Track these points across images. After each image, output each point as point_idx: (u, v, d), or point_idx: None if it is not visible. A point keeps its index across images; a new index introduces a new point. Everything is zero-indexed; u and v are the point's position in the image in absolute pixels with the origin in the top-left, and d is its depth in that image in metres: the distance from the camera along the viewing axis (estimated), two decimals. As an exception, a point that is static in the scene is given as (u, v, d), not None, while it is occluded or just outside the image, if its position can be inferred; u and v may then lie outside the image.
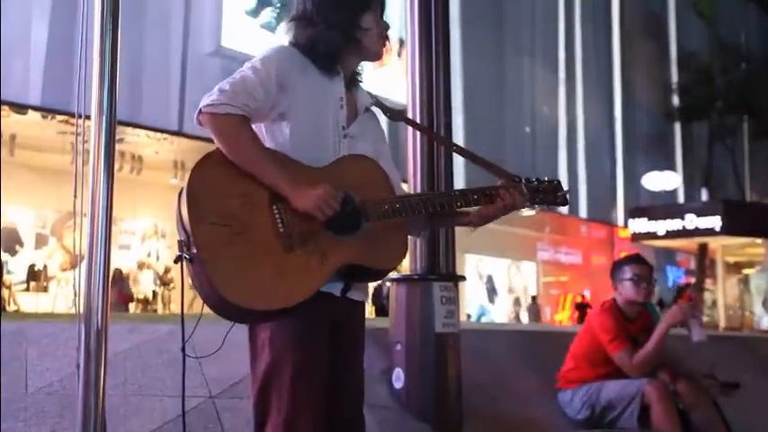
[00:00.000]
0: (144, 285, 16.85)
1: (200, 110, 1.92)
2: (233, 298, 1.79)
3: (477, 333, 5.11)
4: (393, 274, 3.86)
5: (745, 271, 26.85)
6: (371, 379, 3.64)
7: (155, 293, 16.78)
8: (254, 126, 1.97)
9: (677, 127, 29.83)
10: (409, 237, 2.15)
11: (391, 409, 3.49)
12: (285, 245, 1.86)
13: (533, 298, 23.87)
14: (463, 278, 3.90)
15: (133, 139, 14.26)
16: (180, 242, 1.85)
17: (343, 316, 2.03)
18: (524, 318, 24.03)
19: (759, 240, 23.04)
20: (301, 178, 1.91)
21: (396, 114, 2.27)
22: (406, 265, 3.80)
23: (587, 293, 23.86)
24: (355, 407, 2.09)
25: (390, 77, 12.14)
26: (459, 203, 2.07)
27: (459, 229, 3.81)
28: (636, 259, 4.01)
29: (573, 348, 4.04)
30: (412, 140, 3.78)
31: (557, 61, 25.94)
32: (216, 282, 1.78)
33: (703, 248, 23.06)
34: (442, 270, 3.72)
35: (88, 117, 2.77)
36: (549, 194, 2.14)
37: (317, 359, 1.94)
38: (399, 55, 12.83)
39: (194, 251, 1.80)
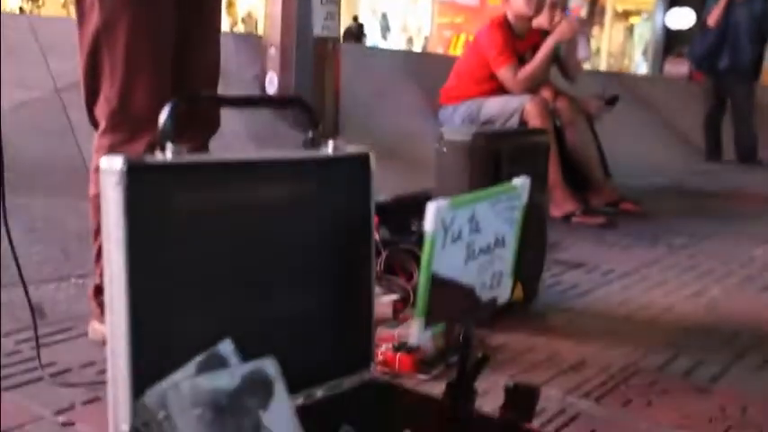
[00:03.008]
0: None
1: None
2: None
3: (361, 50, 4.88)
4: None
5: (632, 19, 27.27)
6: (242, 83, 3.41)
7: (21, 9, 15.41)
8: None
9: None
10: None
11: (260, 113, 3.30)
12: None
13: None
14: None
15: None
16: None
17: None
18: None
19: (649, -13, 23.16)
20: None
21: None
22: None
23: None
24: (208, 84, 1.79)
25: None
26: None
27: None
28: (528, -30, 3.75)
29: (457, 65, 3.90)
30: None
31: None
32: None
33: (595, -6, 23.00)
34: (322, -33, 3.39)
35: None
36: None
37: (157, 16, 1.62)
38: None
39: None
